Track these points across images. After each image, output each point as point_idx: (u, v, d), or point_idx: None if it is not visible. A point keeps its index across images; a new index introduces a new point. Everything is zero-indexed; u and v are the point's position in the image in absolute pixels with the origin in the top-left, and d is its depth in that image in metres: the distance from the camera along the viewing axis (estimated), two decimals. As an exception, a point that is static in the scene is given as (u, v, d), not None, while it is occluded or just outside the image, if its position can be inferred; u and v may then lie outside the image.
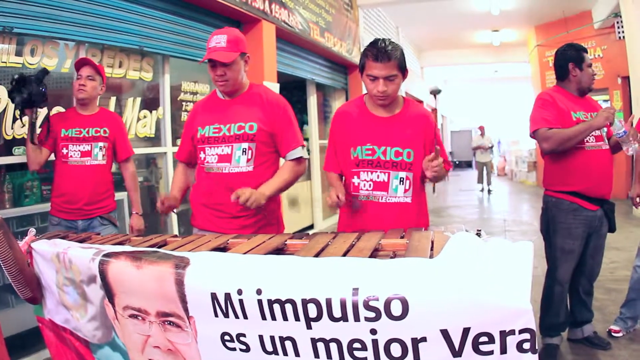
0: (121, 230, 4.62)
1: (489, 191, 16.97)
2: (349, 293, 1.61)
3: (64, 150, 4.04)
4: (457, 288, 1.56)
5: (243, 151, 3.17)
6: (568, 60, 3.95)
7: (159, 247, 2.35)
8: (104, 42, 5.17)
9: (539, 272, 4.40)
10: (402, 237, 2.27)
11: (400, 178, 3.05)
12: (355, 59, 10.72)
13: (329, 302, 1.64)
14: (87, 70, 4.06)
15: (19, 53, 4.40)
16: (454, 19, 15.38)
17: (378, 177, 3.07)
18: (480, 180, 17.48)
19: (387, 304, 1.58)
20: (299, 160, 3.32)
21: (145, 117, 5.92)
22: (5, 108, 4.28)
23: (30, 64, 4.32)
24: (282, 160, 3.38)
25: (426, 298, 1.57)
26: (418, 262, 1.70)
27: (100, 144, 4.13)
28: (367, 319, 1.60)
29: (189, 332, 1.98)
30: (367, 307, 1.59)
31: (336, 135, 3.27)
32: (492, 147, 17.80)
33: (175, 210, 3.39)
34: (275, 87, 7.45)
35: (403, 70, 3.00)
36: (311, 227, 10.07)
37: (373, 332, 1.62)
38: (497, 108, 32.29)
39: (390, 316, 1.58)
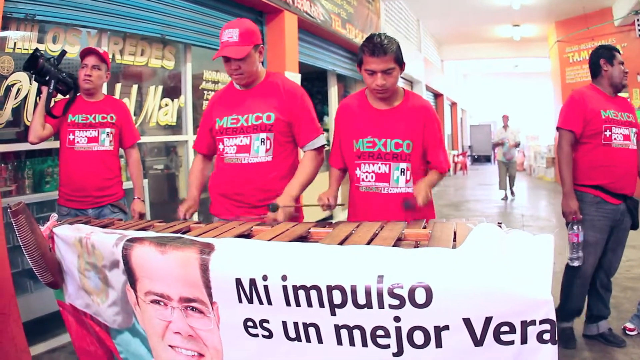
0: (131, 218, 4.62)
1: (512, 195, 13.92)
2: (373, 280, 1.63)
3: (71, 137, 4.03)
4: (480, 278, 1.57)
5: (261, 141, 3.17)
6: (599, 57, 4.07)
7: (183, 233, 2.36)
8: (126, 30, 5.20)
9: (556, 268, 4.38)
10: (424, 228, 2.28)
11: (401, 169, 3.09)
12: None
13: (353, 289, 1.65)
14: (93, 60, 4.05)
15: (41, 40, 4.42)
16: (475, 12, 15.29)
17: (379, 168, 3.12)
18: (502, 186, 13.82)
19: (412, 292, 1.59)
20: (319, 149, 3.31)
21: (166, 105, 5.95)
22: (26, 95, 4.32)
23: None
24: (300, 150, 3.37)
25: (449, 287, 1.58)
26: (442, 252, 1.71)
27: (107, 129, 4.13)
28: (391, 307, 1.62)
29: (212, 318, 1.99)
30: (392, 294, 1.60)
31: (339, 128, 3.32)
32: (518, 144, 14.03)
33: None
34: (296, 78, 7.46)
35: (400, 63, 3.04)
36: (330, 217, 10.06)
37: (397, 319, 1.63)
38: (517, 103, 32.09)
39: (414, 304, 1.59)
